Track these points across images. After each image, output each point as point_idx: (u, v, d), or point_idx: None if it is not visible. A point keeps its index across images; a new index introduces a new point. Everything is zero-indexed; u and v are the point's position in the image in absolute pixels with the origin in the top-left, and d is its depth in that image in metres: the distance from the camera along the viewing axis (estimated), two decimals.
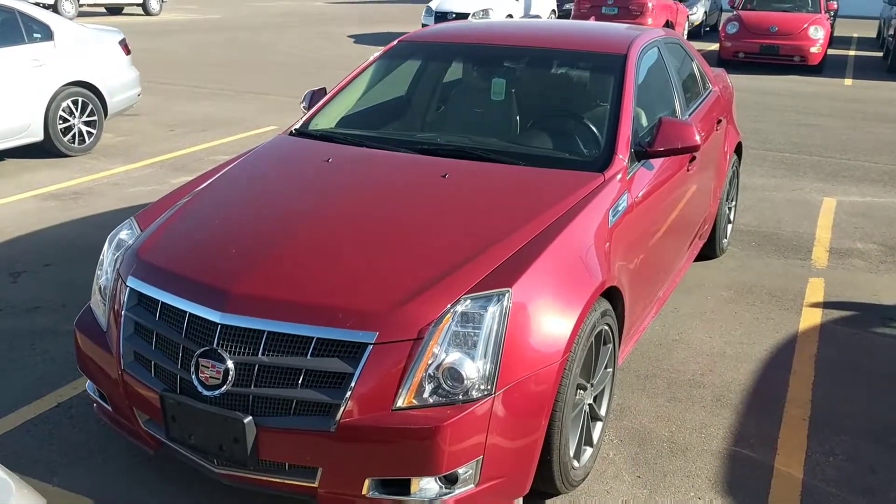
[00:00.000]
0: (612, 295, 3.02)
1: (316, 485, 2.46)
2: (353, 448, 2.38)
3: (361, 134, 3.75)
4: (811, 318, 4.51)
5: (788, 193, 6.97)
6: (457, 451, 2.36)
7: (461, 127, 3.88)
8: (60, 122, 7.56)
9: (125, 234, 3.10)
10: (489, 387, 2.40)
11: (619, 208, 3.17)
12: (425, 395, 2.38)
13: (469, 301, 2.47)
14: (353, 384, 2.35)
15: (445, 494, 2.43)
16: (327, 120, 4.02)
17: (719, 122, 4.87)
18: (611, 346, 3.07)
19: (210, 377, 2.48)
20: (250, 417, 2.41)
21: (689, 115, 4.31)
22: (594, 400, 3.05)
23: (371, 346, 2.37)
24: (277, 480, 2.52)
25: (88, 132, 7.87)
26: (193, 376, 2.51)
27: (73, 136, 7.73)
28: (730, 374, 3.85)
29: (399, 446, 2.36)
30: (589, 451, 3.01)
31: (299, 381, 2.41)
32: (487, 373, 2.40)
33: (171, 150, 8.04)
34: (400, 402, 2.36)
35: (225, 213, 3.10)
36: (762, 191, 7.01)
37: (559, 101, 3.93)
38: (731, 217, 5.64)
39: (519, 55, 4.07)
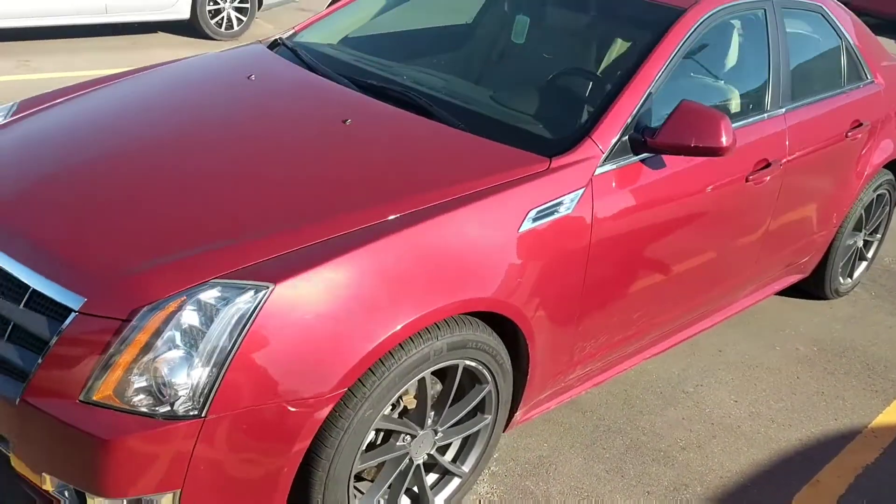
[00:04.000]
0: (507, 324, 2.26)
1: (9, 455, 2.01)
2: (32, 432, 1.89)
3: (335, 57, 3.09)
4: None
5: None
6: (134, 475, 1.79)
7: (456, 70, 3.11)
8: (210, 3, 7.55)
9: None
10: (198, 406, 1.79)
11: (557, 209, 2.31)
12: (129, 393, 1.82)
13: (218, 288, 1.84)
14: (44, 354, 1.85)
15: None
16: (328, 34, 3.40)
17: (857, 126, 3.63)
18: (488, 387, 2.30)
19: None
20: None
21: (785, 111, 3.19)
22: (443, 450, 2.33)
23: (75, 315, 1.84)
24: None
25: (238, 18, 7.82)
26: None
27: (222, 19, 7.71)
28: (717, 460, 2.88)
29: (69, 449, 1.83)
30: None
31: (6, 333, 1.95)
32: (201, 387, 1.79)
33: None
34: (92, 394, 1.82)
35: (73, 119, 2.63)
36: None
37: (582, 56, 3.01)
38: (870, 254, 4.34)
39: None
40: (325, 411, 1.89)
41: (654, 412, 3.09)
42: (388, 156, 2.38)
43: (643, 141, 2.52)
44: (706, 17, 2.85)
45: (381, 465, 2.22)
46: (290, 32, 3.39)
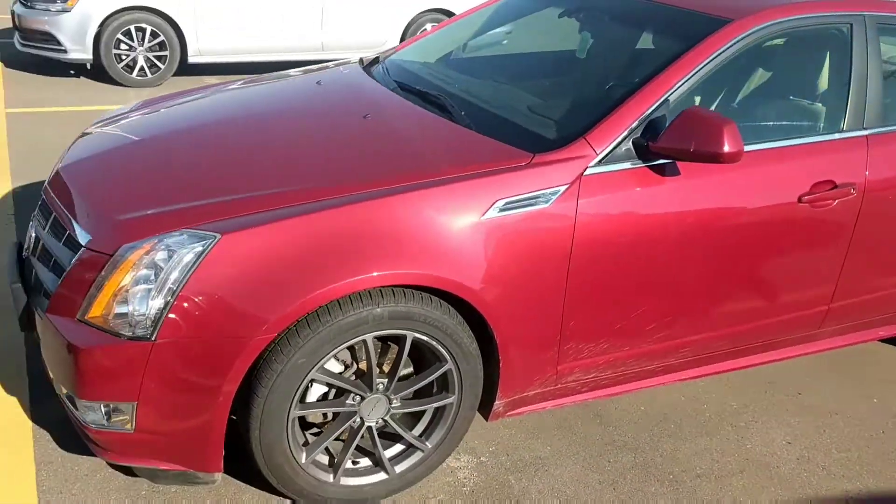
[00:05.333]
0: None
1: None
2: (49, 342, 2.34)
3: (406, 69, 3.38)
4: None
5: None
6: (99, 382, 2.17)
7: (507, 79, 3.24)
8: None
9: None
10: (151, 330, 2.13)
11: (533, 203, 2.38)
12: (111, 316, 2.21)
13: (185, 236, 2.19)
14: (61, 279, 2.31)
15: (97, 425, 2.26)
16: (427, 53, 3.70)
17: None
18: (447, 365, 2.41)
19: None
20: (19, 284, 2.53)
21: (869, 133, 2.92)
22: (412, 423, 2.48)
23: (83, 249, 2.28)
24: None
25: None
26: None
27: None
28: (731, 493, 2.67)
29: (63, 357, 2.24)
30: (380, 473, 2.47)
31: (51, 264, 2.45)
32: (153, 315, 2.13)
33: None
34: (86, 314, 2.23)
35: (163, 115, 3.08)
36: None
37: (622, 67, 3.01)
38: None
39: (623, 8, 3.21)
40: (256, 351, 2.14)
41: (685, 438, 2.95)
42: (384, 145, 2.61)
43: (646, 145, 2.51)
44: (756, 29, 2.74)
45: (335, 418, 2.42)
46: (390, 51, 3.75)
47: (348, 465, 2.47)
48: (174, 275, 2.13)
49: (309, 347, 2.19)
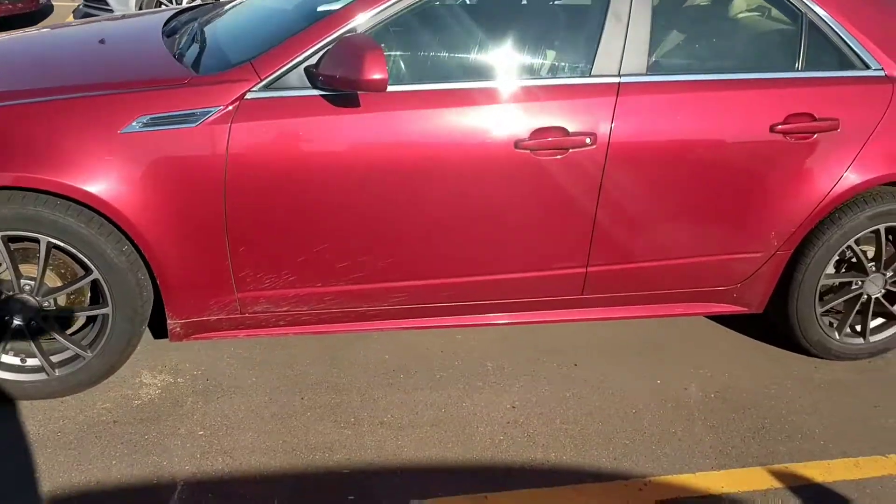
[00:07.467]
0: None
1: None
2: None
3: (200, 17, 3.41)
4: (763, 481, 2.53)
5: None
6: None
7: (266, 22, 3.20)
8: None
9: None
10: None
11: (174, 121, 2.39)
12: None
13: None
14: None
15: None
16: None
17: (805, 122, 2.80)
18: (93, 276, 2.50)
19: None
20: None
21: (621, 80, 2.66)
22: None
23: None
24: None
25: None
26: None
27: None
28: (369, 441, 2.58)
29: None
30: (42, 374, 2.61)
31: None
32: None
33: None
34: None
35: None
36: None
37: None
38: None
39: None
40: None
41: (404, 389, 2.85)
42: (81, 63, 2.76)
43: (314, 73, 2.47)
44: None
45: None
46: None
47: (15, 360, 2.62)
48: None
49: None
